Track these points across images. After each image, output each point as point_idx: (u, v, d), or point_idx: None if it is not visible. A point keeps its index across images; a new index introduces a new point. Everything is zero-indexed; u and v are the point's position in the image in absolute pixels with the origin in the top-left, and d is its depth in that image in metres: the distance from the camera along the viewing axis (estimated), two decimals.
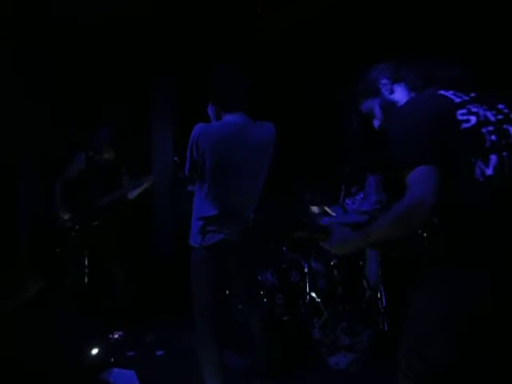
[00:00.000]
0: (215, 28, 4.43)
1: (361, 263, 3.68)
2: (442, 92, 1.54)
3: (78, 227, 3.78)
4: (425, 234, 1.58)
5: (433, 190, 1.36)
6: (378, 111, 1.72)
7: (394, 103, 1.68)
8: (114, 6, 4.11)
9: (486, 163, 1.39)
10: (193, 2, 4.13)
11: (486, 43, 3.41)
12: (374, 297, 3.51)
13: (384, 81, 1.70)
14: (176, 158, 3.25)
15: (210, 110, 2.54)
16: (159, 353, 3.42)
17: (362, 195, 3.76)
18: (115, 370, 2.99)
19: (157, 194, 4.98)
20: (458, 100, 1.49)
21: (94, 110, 4.68)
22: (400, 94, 1.68)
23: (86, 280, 3.76)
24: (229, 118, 2.45)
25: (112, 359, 3.10)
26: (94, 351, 3.05)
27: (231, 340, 2.77)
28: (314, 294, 3.52)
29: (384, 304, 3.44)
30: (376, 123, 1.76)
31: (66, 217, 3.78)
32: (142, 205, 4.18)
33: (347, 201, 3.87)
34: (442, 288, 1.42)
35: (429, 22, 3.71)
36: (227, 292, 2.87)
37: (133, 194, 3.86)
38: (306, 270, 3.61)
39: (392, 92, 1.70)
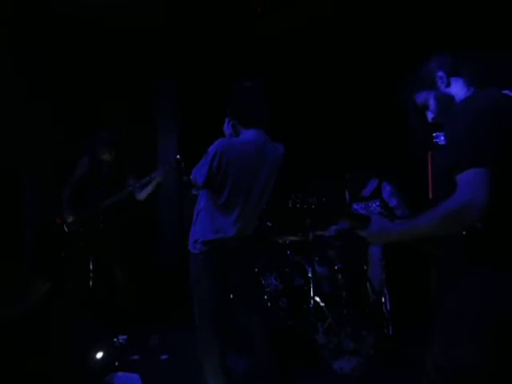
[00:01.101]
0: (216, 28, 4.44)
1: (365, 267, 3.68)
2: (507, 92, 1.48)
3: (82, 230, 3.79)
4: (463, 233, 1.49)
5: (485, 193, 1.31)
6: (432, 104, 1.67)
7: (450, 97, 1.63)
8: (116, 6, 4.14)
9: None
10: (194, 2, 4.15)
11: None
12: (378, 301, 3.51)
13: (440, 73, 1.64)
14: (178, 157, 3.26)
15: (228, 125, 2.57)
16: (163, 356, 3.43)
17: (378, 202, 3.76)
18: (120, 373, 2.99)
19: (161, 196, 5.00)
20: None
21: (98, 111, 4.70)
22: (457, 89, 1.63)
23: (91, 283, 3.77)
24: (248, 134, 2.49)
25: (117, 363, 3.11)
26: (99, 355, 3.06)
27: (233, 343, 2.77)
28: (317, 298, 3.52)
29: (388, 308, 3.44)
30: (429, 116, 1.69)
31: (70, 220, 3.80)
32: (146, 207, 4.18)
33: (355, 206, 3.87)
34: (480, 291, 1.40)
35: (427, 32, 3.68)
36: (227, 295, 2.88)
37: (142, 195, 3.78)
38: (309, 274, 3.61)
39: (448, 85, 1.64)
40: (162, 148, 5.16)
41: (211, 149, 2.40)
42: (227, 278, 2.54)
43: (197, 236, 2.47)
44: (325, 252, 3.84)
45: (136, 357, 3.38)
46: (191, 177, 2.50)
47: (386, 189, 3.76)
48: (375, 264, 3.67)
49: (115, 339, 3.53)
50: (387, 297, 3.48)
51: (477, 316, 1.40)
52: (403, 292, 3.46)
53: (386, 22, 4.01)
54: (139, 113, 5.01)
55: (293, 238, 3.90)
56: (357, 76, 4.32)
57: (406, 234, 1.52)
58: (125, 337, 3.60)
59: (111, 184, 3.84)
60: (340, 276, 3.63)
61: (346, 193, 4.03)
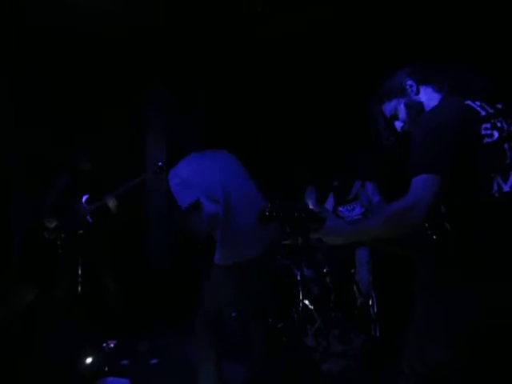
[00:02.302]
0: (215, 29, 4.45)
1: (352, 271, 3.73)
2: (469, 102, 1.53)
3: (63, 236, 3.78)
4: (434, 237, 1.57)
5: (429, 197, 1.37)
6: (402, 112, 1.72)
7: (420, 104, 1.68)
8: (110, 15, 4.15)
9: (505, 179, 1.41)
10: (192, 3, 4.17)
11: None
12: (365, 303, 3.56)
13: (410, 82, 1.70)
14: (160, 164, 3.30)
15: None
16: (153, 361, 3.42)
17: (359, 203, 3.82)
18: (109, 378, 2.99)
19: (151, 204, 5.00)
20: (483, 113, 1.49)
21: (89, 117, 4.70)
22: (426, 96, 1.68)
23: (80, 289, 3.76)
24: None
25: (106, 368, 3.10)
26: (89, 360, 3.06)
27: (227, 348, 2.79)
28: (306, 302, 3.55)
29: (375, 310, 3.49)
30: (398, 125, 1.75)
31: (53, 225, 3.78)
32: (136, 214, 4.19)
33: (341, 208, 3.93)
34: (450, 294, 1.45)
35: (459, 30, 3.68)
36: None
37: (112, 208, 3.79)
38: (298, 277, 3.65)
39: (418, 93, 1.69)
40: (151, 155, 5.17)
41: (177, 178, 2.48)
42: (240, 291, 2.56)
43: (221, 249, 2.49)
44: (313, 255, 3.88)
45: (126, 362, 3.37)
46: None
47: (369, 186, 3.84)
48: (363, 267, 3.73)
49: (105, 344, 3.52)
50: (374, 299, 3.53)
51: (450, 320, 1.45)
52: (390, 294, 3.51)
53: (386, 24, 4.06)
54: (129, 119, 5.01)
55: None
56: (355, 78, 4.36)
57: (354, 236, 1.60)
58: (114, 342, 3.59)
59: (93, 190, 3.85)
60: (328, 279, 3.67)
61: (330, 197, 4.08)
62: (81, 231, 3.79)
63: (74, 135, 4.50)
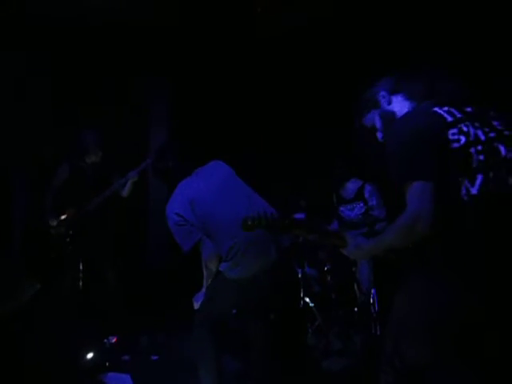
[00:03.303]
0: (215, 27, 4.45)
1: (353, 269, 3.73)
2: (437, 109, 1.58)
3: (71, 232, 3.78)
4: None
5: (431, 205, 1.43)
6: (378, 123, 1.79)
7: (392, 113, 1.75)
8: (111, 9, 4.14)
9: (472, 182, 1.45)
10: (192, 2, 4.16)
11: (485, 55, 3.45)
12: (366, 302, 3.56)
13: (383, 93, 1.77)
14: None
15: None
16: (154, 357, 3.44)
17: (361, 204, 3.82)
18: (110, 373, 3.00)
19: (151, 197, 5.01)
20: (450, 119, 1.54)
21: (90, 111, 4.69)
22: (398, 104, 1.75)
23: (81, 284, 3.77)
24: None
25: (107, 363, 3.12)
26: (90, 355, 3.07)
27: (226, 344, 2.80)
28: (307, 299, 3.56)
29: (376, 309, 3.49)
30: (379, 136, 1.82)
31: (55, 223, 3.78)
32: (137, 207, 4.20)
33: (341, 208, 3.93)
34: (424, 293, 1.51)
35: (428, 36, 3.76)
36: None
37: (125, 192, 3.88)
38: (299, 275, 3.65)
39: (390, 103, 1.76)
40: (155, 148, 5.16)
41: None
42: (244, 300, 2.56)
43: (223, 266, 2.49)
44: (314, 253, 3.88)
45: (126, 357, 3.38)
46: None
47: (367, 188, 3.84)
48: (364, 265, 3.72)
49: (105, 340, 3.53)
50: (375, 298, 3.54)
51: (424, 317, 1.49)
52: (391, 293, 3.51)
53: (386, 23, 4.06)
54: (132, 113, 5.01)
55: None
56: (355, 77, 4.36)
57: (376, 249, 1.70)
58: (115, 337, 3.60)
59: (96, 184, 3.84)
60: (329, 277, 3.67)
61: (334, 196, 4.08)
62: (87, 226, 3.80)
63: (74, 129, 4.50)
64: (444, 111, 1.57)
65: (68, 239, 3.76)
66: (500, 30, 3.50)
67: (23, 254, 4.33)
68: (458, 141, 1.49)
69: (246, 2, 4.16)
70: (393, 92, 1.75)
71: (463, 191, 1.45)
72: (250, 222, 1.83)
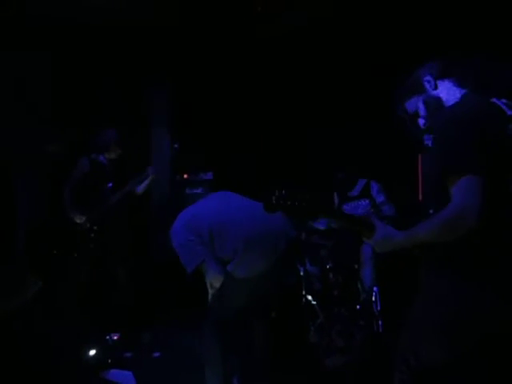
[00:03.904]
0: (215, 27, 4.46)
1: (356, 266, 3.72)
2: (495, 100, 1.50)
3: (96, 228, 3.79)
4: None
5: (480, 201, 1.34)
6: (422, 109, 1.68)
7: (438, 98, 1.64)
8: (113, 9, 4.14)
9: None
10: (192, 2, 4.17)
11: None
12: (368, 299, 3.55)
13: (427, 77, 1.66)
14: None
15: None
16: (156, 354, 3.44)
17: (367, 201, 3.81)
18: (112, 370, 3.01)
19: (155, 194, 5.01)
20: (510, 112, 1.46)
21: (92, 111, 4.71)
22: (445, 90, 1.64)
23: (86, 280, 3.79)
24: None
25: (109, 360, 3.12)
26: (92, 352, 3.08)
27: (231, 344, 2.81)
28: (309, 297, 3.55)
29: (378, 307, 3.48)
30: (421, 122, 1.70)
31: (83, 220, 3.80)
32: (141, 205, 4.21)
33: (345, 206, 3.92)
34: (449, 294, 1.44)
35: (424, 36, 3.72)
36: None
37: (141, 188, 3.93)
38: (301, 273, 3.65)
39: (436, 88, 1.65)
40: (156, 148, 5.18)
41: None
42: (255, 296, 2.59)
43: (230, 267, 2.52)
44: (316, 251, 3.87)
45: (128, 354, 3.39)
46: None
47: (374, 186, 3.83)
48: (366, 263, 3.72)
49: (108, 337, 3.54)
50: (378, 296, 3.53)
51: (447, 318, 1.45)
52: (393, 291, 3.50)
53: (386, 23, 4.05)
54: (133, 113, 5.01)
55: None
56: (354, 76, 4.36)
57: (407, 243, 1.55)
58: (117, 334, 3.61)
59: (115, 180, 3.88)
60: (331, 275, 3.67)
61: (335, 194, 4.07)
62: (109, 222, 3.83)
63: (79, 127, 4.51)
64: (502, 103, 1.48)
65: (93, 235, 3.78)
66: None
67: (26, 252, 4.34)
68: None
69: (246, 1, 4.16)
70: (440, 76, 1.64)
71: None
72: (274, 201, 1.63)
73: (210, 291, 2.58)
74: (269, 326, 2.80)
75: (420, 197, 1.70)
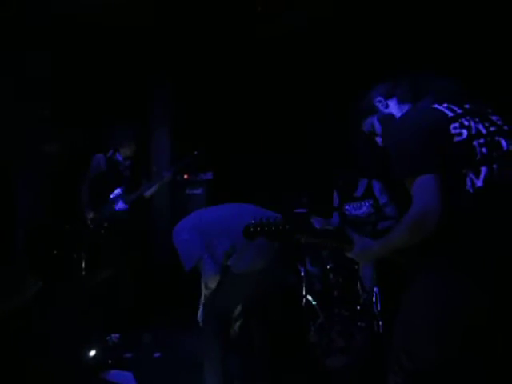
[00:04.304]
0: (215, 28, 4.46)
1: (356, 267, 3.71)
2: (436, 106, 1.60)
3: (106, 225, 3.80)
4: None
5: (438, 198, 1.43)
6: (377, 127, 1.82)
7: (390, 116, 1.77)
8: (113, 7, 4.14)
9: (477, 175, 1.46)
10: (192, 2, 4.16)
11: (479, 52, 3.46)
12: (368, 300, 3.55)
13: (378, 98, 1.80)
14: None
15: None
16: (156, 355, 3.44)
17: (371, 201, 3.81)
18: (113, 371, 3.01)
19: (155, 196, 5.00)
20: (450, 114, 1.55)
21: (92, 111, 4.70)
22: (394, 108, 1.77)
23: (84, 281, 3.78)
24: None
25: (110, 361, 3.12)
26: (92, 352, 3.08)
27: (231, 343, 2.81)
28: (309, 297, 3.55)
29: (379, 307, 3.48)
30: (379, 140, 1.84)
31: (91, 215, 3.81)
32: (141, 207, 4.21)
33: (347, 207, 3.91)
34: (435, 290, 1.48)
35: (420, 37, 3.78)
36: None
37: (149, 193, 3.94)
38: (302, 273, 3.64)
39: (387, 107, 1.79)
40: (157, 150, 5.18)
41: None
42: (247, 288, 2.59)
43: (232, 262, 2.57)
44: (317, 252, 3.87)
45: (129, 355, 3.39)
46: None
47: (376, 186, 3.82)
48: (366, 264, 3.71)
49: (108, 337, 3.54)
50: (378, 296, 3.52)
51: (435, 315, 1.48)
52: (394, 291, 3.51)
53: (386, 22, 4.06)
54: (133, 113, 5.01)
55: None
56: (354, 77, 4.36)
57: (383, 250, 1.66)
58: (118, 335, 3.61)
59: (130, 180, 3.88)
60: (331, 275, 3.66)
61: (335, 194, 4.06)
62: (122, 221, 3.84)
63: (80, 126, 4.51)
64: (444, 107, 1.58)
65: (103, 231, 3.79)
66: (494, 27, 3.51)
67: (26, 252, 4.34)
68: (460, 134, 1.50)
69: (246, 1, 4.17)
70: (388, 96, 1.78)
71: (468, 184, 1.45)
72: (252, 229, 1.85)
73: (205, 291, 2.60)
74: (268, 325, 2.80)
75: None
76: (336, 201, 4.04)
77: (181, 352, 3.36)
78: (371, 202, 3.80)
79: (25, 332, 2.88)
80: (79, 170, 4.00)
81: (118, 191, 3.84)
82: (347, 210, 3.91)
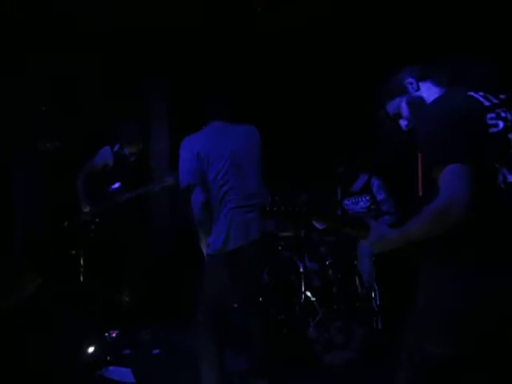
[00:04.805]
0: (215, 27, 4.44)
1: (355, 263, 3.72)
2: (472, 93, 1.53)
3: (98, 220, 3.78)
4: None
5: (467, 189, 1.35)
6: (405, 109, 1.72)
7: (421, 99, 1.68)
8: (114, 8, 4.13)
9: (510, 170, 1.41)
10: (192, 1, 4.15)
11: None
12: (367, 296, 3.55)
13: (410, 79, 1.71)
14: None
15: None
16: (155, 351, 3.44)
17: (368, 197, 3.80)
18: (111, 367, 3.01)
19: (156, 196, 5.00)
20: (487, 103, 1.49)
21: (92, 110, 4.69)
22: (426, 91, 1.69)
23: (82, 278, 3.78)
24: (209, 125, 2.73)
25: (108, 357, 3.12)
26: (91, 349, 3.07)
27: (228, 339, 2.80)
28: (309, 294, 3.56)
29: (378, 303, 3.48)
30: (403, 123, 1.75)
31: (87, 210, 3.79)
32: (140, 204, 4.21)
33: (346, 201, 3.91)
34: (454, 285, 1.44)
35: (430, 30, 3.74)
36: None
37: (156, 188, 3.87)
38: (301, 269, 3.64)
39: (418, 89, 1.70)
40: (156, 147, 5.18)
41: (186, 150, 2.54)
42: (234, 278, 2.58)
43: (210, 239, 2.55)
44: (316, 248, 3.87)
45: (128, 351, 3.38)
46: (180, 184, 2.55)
47: (375, 183, 3.82)
48: (365, 259, 3.71)
49: (107, 334, 3.53)
50: (377, 292, 3.53)
51: (451, 311, 1.44)
52: (393, 287, 3.51)
53: (386, 22, 4.05)
54: (133, 110, 5.00)
55: (285, 234, 3.92)
56: (353, 75, 4.36)
57: (401, 240, 1.56)
58: (116, 331, 3.60)
59: (131, 177, 3.86)
60: (331, 271, 3.67)
61: (338, 189, 4.07)
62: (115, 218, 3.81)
63: (79, 126, 4.50)
64: (480, 96, 1.51)
65: (93, 226, 3.77)
66: None
67: (24, 250, 4.33)
68: (497, 125, 1.44)
69: (246, 1, 4.16)
70: (421, 78, 1.70)
71: (500, 178, 1.40)
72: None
73: (201, 235, 2.60)
74: (267, 321, 2.79)
75: (420, 193, 1.71)
76: (339, 196, 4.05)
77: (180, 349, 3.35)
78: (368, 198, 3.81)
79: (23, 329, 2.88)
80: (77, 167, 3.98)
81: (117, 185, 3.82)
82: (346, 204, 3.91)
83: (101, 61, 4.57)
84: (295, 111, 4.86)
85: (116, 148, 3.91)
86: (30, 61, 4.35)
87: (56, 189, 4.43)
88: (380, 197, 3.78)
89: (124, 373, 2.96)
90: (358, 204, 3.85)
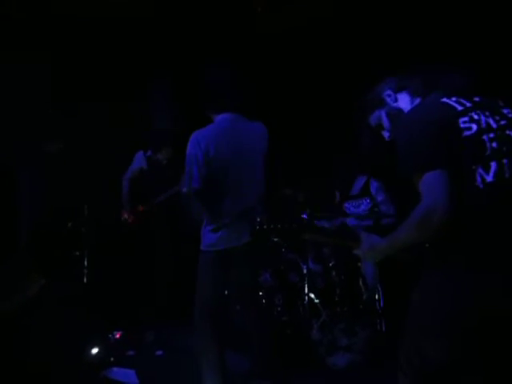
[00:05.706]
0: (215, 26, 4.45)
1: (358, 264, 3.71)
2: (445, 100, 1.57)
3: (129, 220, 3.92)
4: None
5: (447, 194, 1.40)
6: (385, 121, 1.79)
7: (399, 110, 1.75)
8: (113, 5, 4.14)
9: (487, 170, 1.43)
10: (193, 1, 4.16)
11: (489, 47, 3.44)
12: (371, 298, 3.54)
13: (388, 92, 1.77)
14: None
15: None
16: (159, 352, 3.44)
17: (368, 200, 3.79)
18: (115, 369, 3.01)
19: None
20: (460, 108, 1.53)
21: (94, 110, 4.70)
22: (404, 101, 1.75)
23: (86, 279, 3.79)
24: (221, 117, 2.61)
25: (112, 358, 3.12)
26: (94, 350, 3.08)
27: (230, 340, 2.80)
28: (312, 295, 3.55)
29: (381, 305, 3.47)
30: (386, 135, 1.82)
31: (125, 216, 3.88)
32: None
33: (346, 205, 3.90)
34: (446, 288, 1.46)
35: (429, 31, 3.75)
36: (226, 293, 2.91)
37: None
38: (304, 271, 3.64)
39: (396, 100, 1.77)
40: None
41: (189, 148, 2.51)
42: (230, 276, 2.57)
43: (205, 233, 2.55)
44: (319, 249, 3.86)
45: (131, 352, 3.39)
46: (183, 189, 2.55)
47: (374, 184, 3.81)
48: (368, 261, 3.70)
49: (110, 335, 3.54)
50: (381, 293, 3.52)
51: (445, 312, 1.46)
52: (396, 289, 3.50)
53: (386, 22, 4.06)
54: (133, 112, 5.01)
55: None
56: (353, 75, 4.35)
57: (391, 248, 1.64)
58: (120, 332, 3.61)
59: (165, 180, 3.93)
60: (334, 273, 3.66)
61: (337, 193, 4.05)
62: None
63: (82, 125, 4.51)
64: (453, 101, 1.56)
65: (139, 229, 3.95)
66: (502, 20, 3.48)
67: (29, 249, 4.34)
68: (470, 129, 1.48)
69: (246, 1, 4.16)
70: (398, 90, 1.76)
71: (478, 179, 1.43)
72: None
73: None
74: (270, 323, 2.79)
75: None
76: (338, 198, 4.03)
77: (183, 350, 3.35)
78: (369, 200, 3.79)
79: (26, 330, 2.88)
80: (81, 167, 4.02)
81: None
82: (347, 207, 3.90)
83: (101, 61, 4.59)
84: (295, 111, 4.86)
85: (148, 153, 4.02)
86: (30, 61, 4.36)
87: (60, 190, 4.44)
88: (379, 198, 3.77)
89: (127, 374, 2.97)
90: (360, 207, 3.83)
